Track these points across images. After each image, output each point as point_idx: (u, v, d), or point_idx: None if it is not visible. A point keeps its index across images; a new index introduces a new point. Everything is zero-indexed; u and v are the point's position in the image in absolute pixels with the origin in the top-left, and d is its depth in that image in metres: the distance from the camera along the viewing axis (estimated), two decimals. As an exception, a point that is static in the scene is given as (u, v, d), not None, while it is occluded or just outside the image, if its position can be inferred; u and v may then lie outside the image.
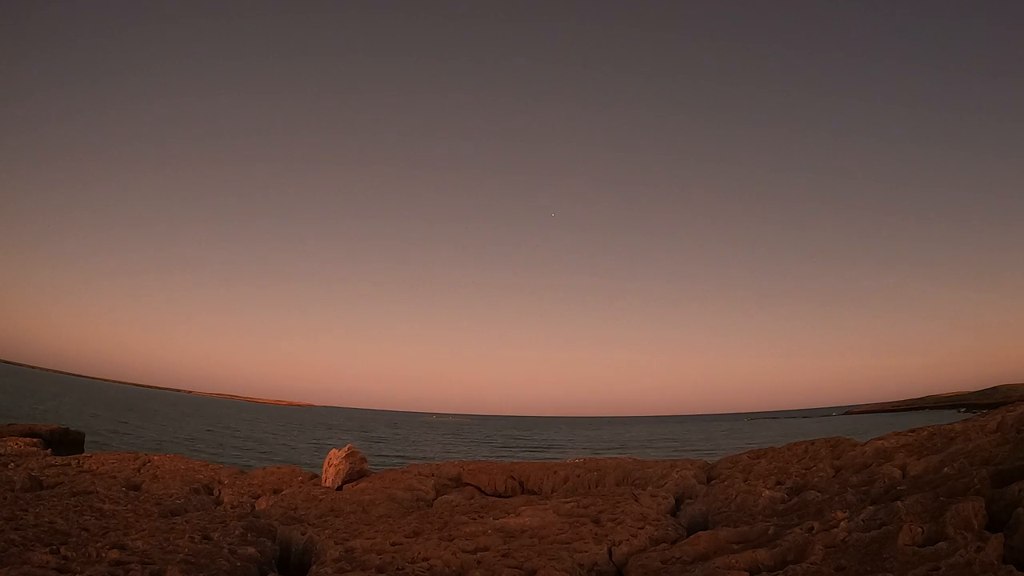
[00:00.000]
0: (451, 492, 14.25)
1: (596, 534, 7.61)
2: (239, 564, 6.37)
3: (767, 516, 7.77)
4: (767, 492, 9.29)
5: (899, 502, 6.01)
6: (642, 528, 7.87)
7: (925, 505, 5.79)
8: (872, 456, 10.38)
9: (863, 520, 5.91)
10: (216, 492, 12.84)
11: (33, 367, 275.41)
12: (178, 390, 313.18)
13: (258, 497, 12.42)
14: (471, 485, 15.10)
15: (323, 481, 14.63)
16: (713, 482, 11.89)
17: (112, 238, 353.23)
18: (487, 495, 14.41)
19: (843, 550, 5.35)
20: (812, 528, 6.15)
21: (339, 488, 14.07)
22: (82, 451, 20.90)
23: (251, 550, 6.85)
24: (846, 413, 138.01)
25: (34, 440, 17.88)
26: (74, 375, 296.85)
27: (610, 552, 7.11)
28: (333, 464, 14.85)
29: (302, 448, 41.54)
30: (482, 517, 9.01)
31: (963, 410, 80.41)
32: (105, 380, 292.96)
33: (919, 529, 5.18)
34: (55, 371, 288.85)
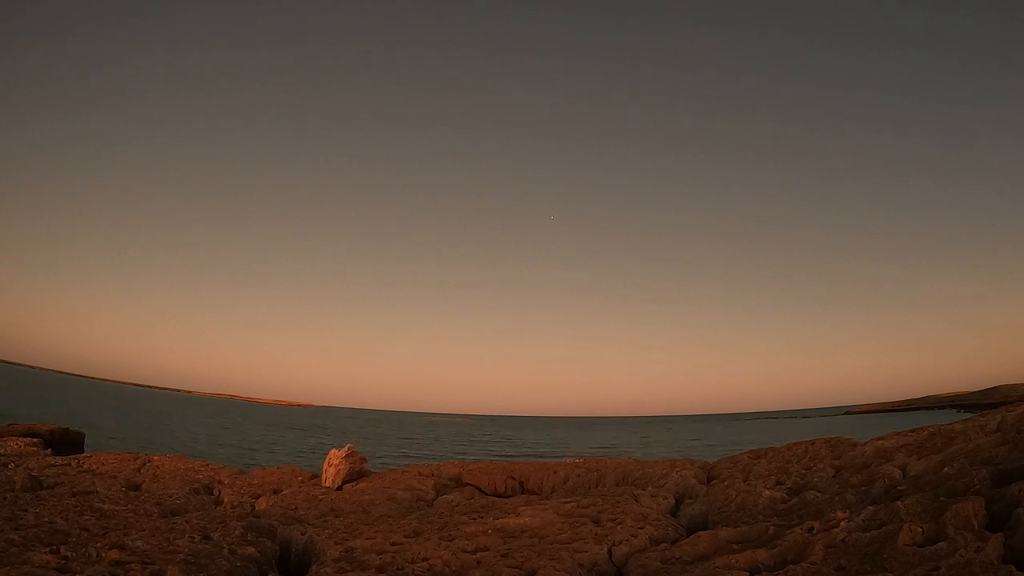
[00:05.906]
0: (451, 492, 14.25)
1: (596, 534, 7.61)
2: (239, 564, 6.37)
3: (767, 516, 7.77)
4: (767, 492, 9.29)
5: (899, 502, 6.00)
6: (642, 528, 7.87)
7: (925, 505, 5.79)
8: (872, 456, 10.39)
9: (863, 520, 5.91)
10: (216, 492, 12.85)
11: (33, 367, 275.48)
12: (178, 390, 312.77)
13: (258, 497, 12.43)
14: (471, 485, 15.11)
15: (323, 481, 14.64)
16: (713, 482, 11.90)
17: (112, 237, 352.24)
18: (487, 495, 14.42)
19: (843, 550, 5.35)
20: (812, 528, 6.15)
21: (339, 488, 14.08)
22: (82, 451, 20.94)
23: (251, 550, 6.85)
24: (846, 413, 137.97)
25: (34, 440, 17.91)
26: (74, 375, 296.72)
27: (610, 552, 7.11)
28: (333, 464, 14.85)
29: (302, 448, 41.52)
30: (482, 517, 9.01)
31: (963, 410, 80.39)
32: (105, 380, 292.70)
33: (919, 529, 5.18)
34: (55, 371, 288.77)
